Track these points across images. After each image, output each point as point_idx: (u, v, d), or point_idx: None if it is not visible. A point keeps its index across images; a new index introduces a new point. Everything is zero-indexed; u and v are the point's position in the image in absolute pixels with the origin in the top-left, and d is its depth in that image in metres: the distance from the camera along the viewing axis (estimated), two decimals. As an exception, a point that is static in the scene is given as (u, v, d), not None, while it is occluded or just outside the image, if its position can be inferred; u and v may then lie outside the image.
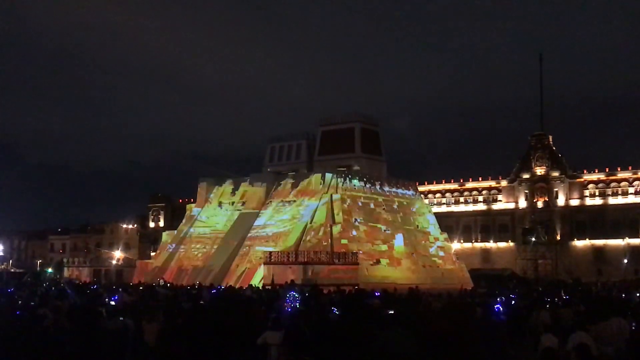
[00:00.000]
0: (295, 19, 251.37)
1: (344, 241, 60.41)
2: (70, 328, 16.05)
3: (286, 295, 27.68)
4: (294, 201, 67.11)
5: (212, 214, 73.64)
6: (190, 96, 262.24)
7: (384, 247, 64.24)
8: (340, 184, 65.15)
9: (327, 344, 14.26)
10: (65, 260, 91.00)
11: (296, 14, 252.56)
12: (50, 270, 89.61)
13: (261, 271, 56.38)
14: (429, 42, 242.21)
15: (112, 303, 22.86)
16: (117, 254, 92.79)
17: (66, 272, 79.46)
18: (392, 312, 18.04)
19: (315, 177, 66.69)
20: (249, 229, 67.42)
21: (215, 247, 68.09)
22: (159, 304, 22.34)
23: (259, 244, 64.24)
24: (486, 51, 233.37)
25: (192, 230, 73.35)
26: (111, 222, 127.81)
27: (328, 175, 65.67)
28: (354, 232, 62.33)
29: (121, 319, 16.53)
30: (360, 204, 65.76)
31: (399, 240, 66.17)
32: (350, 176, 67.10)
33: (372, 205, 66.98)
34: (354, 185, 66.71)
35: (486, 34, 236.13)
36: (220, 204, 74.01)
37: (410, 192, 74.62)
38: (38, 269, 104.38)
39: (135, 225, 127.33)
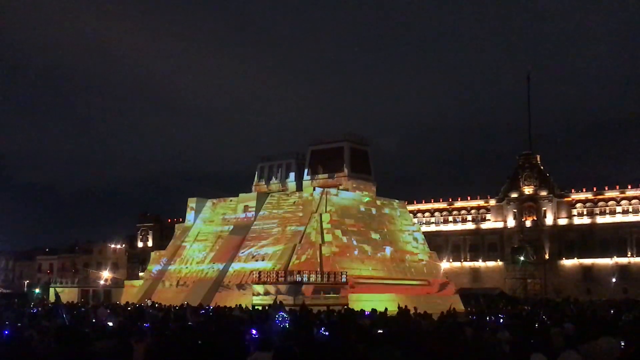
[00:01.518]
0: (285, 39, 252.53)
1: (333, 260, 60.26)
2: (58, 349, 15.90)
3: (275, 315, 27.56)
4: (284, 220, 67.02)
5: (201, 232, 73.41)
6: (180, 115, 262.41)
7: (374, 267, 64.12)
8: (329, 204, 65.15)
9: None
10: (52, 280, 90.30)
11: (286, 35, 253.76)
12: (37, 290, 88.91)
13: (250, 291, 56.11)
14: (417, 63, 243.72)
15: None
16: (105, 274, 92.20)
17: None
18: (381, 331, 17.99)
19: (305, 197, 66.70)
20: (238, 248, 67.24)
21: (203, 266, 67.82)
22: (147, 325, 22.18)
23: (248, 263, 64.03)
24: (474, 72, 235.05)
25: (181, 249, 73.07)
26: (99, 242, 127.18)
27: (317, 195, 65.68)
28: (344, 252, 62.21)
29: (109, 340, 16.40)
30: (349, 223, 65.70)
31: (388, 259, 66.10)
32: (339, 196, 67.11)
33: (361, 225, 66.94)
34: (344, 205, 66.69)
35: (474, 55, 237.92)
36: (209, 223, 73.83)
37: (400, 212, 74.64)
38: (25, 289, 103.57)
39: (124, 245, 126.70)
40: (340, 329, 19.47)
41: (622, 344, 14.91)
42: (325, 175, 72.34)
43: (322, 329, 19.71)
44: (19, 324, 22.47)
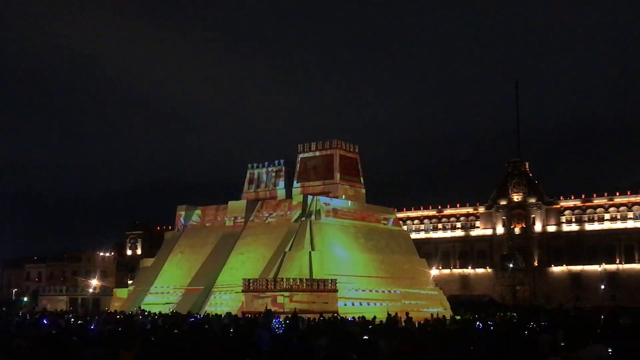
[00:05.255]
0: (274, 45, 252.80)
1: (323, 268, 60.24)
2: (47, 358, 15.86)
3: (265, 323, 27.58)
4: (273, 228, 66.89)
5: (190, 240, 73.19)
6: (169, 122, 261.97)
7: (364, 274, 64.12)
8: (319, 210, 65.12)
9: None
10: (41, 289, 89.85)
11: (275, 41, 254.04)
12: (26, 299, 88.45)
13: (240, 299, 56.01)
14: (405, 70, 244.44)
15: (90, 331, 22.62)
16: (94, 283, 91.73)
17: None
18: (367, 337, 18.04)
19: (295, 204, 66.63)
20: (227, 255, 67.07)
21: (193, 274, 67.60)
22: (136, 333, 22.14)
23: (237, 271, 63.86)
24: (463, 78, 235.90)
25: (170, 257, 72.82)
26: (88, 250, 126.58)
27: (307, 202, 65.64)
28: (334, 259, 62.21)
29: (97, 348, 16.35)
30: (339, 230, 65.70)
31: (378, 267, 66.13)
32: (329, 202, 67.09)
33: (351, 232, 66.95)
34: (333, 212, 66.67)
35: (463, 62, 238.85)
36: (199, 231, 73.62)
37: (389, 219, 74.71)
38: (13, 297, 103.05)
39: (113, 253, 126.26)
40: (329, 336, 19.47)
41: (610, 351, 15.00)
42: (315, 182, 72.33)
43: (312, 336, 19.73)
44: (7, 333, 22.36)
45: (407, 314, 42.84)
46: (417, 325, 34.52)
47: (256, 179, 77.71)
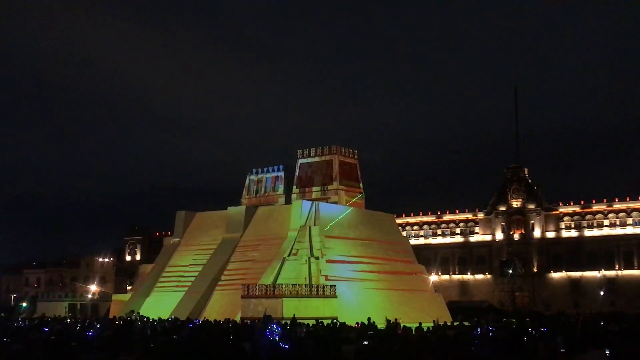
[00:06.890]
0: (274, 52, 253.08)
1: (322, 273, 60.20)
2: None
3: (264, 328, 27.54)
4: (272, 233, 66.86)
5: (190, 246, 73.19)
6: (169, 128, 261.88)
7: (363, 280, 64.08)
8: (318, 216, 65.07)
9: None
10: (40, 294, 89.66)
11: (274, 46, 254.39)
12: (24, 304, 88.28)
13: (239, 304, 55.95)
14: (404, 75, 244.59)
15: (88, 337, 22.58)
16: (93, 288, 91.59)
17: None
18: (367, 342, 18.06)
19: (294, 210, 66.59)
20: (227, 261, 67.07)
21: (192, 279, 67.57)
22: (136, 338, 22.14)
23: (237, 276, 63.84)
24: (462, 84, 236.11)
25: (169, 262, 72.81)
26: (87, 255, 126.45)
27: (306, 208, 65.60)
28: (333, 265, 62.16)
29: (96, 353, 16.37)
30: (338, 236, 65.65)
31: (377, 273, 66.07)
32: (328, 209, 67.07)
33: (350, 238, 66.91)
34: (333, 218, 66.65)
35: (462, 68, 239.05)
36: (198, 237, 73.61)
37: (389, 225, 74.68)
38: (12, 303, 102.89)
39: (112, 259, 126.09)
40: (328, 342, 19.51)
41: (607, 352, 15.04)
42: (314, 188, 72.35)
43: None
44: (6, 339, 22.34)
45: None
46: (416, 331, 34.49)
47: (256, 185, 77.72)
